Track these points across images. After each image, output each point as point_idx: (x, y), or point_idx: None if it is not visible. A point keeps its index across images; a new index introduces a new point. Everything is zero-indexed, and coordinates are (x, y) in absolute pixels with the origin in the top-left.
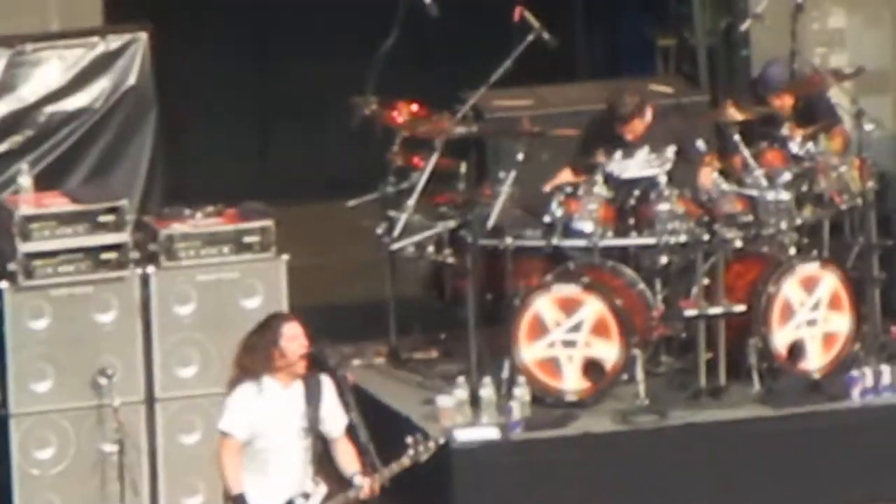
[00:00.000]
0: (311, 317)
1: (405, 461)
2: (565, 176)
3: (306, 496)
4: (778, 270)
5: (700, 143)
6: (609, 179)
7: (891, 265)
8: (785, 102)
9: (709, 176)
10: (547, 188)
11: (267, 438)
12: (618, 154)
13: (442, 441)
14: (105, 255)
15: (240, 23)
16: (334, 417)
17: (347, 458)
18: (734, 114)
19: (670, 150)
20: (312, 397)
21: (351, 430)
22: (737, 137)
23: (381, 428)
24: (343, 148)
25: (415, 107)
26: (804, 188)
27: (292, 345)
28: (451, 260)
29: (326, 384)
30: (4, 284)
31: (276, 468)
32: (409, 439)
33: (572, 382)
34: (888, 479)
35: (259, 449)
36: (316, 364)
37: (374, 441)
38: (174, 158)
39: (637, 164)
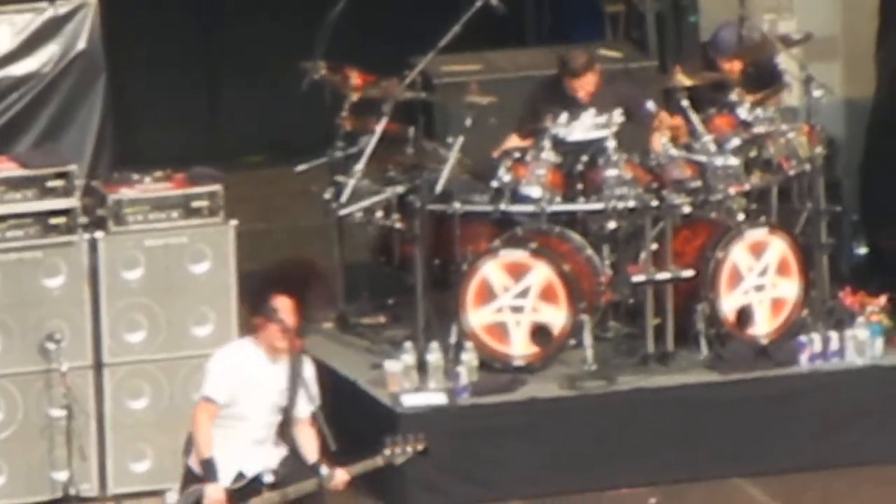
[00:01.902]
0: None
1: (379, 461)
2: (513, 141)
3: (274, 473)
4: (726, 236)
5: (650, 104)
6: (557, 144)
7: (839, 231)
8: (734, 67)
9: (658, 140)
10: (495, 154)
11: (242, 406)
12: (563, 116)
13: (421, 448)
14: (54, 220)
15: None
16: (308, 400)
17: (311, 444)
18: (682, 79)
19: (617, 113)
20: (295, 376)
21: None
22: (685, 103)
23: (328, 393)
24: (291, 113)
25: (363, 72)
26: (753, 154)
27: (275, 322)
28: (399, 225)
29: (308, 365)
30: None
31: (245, 437)
32: (388, 440)
33: (520, 347)
34: (835, 444)
35: (232, 415)
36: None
37: (322, 407)
38: (123, 123)
39: (583, 127)
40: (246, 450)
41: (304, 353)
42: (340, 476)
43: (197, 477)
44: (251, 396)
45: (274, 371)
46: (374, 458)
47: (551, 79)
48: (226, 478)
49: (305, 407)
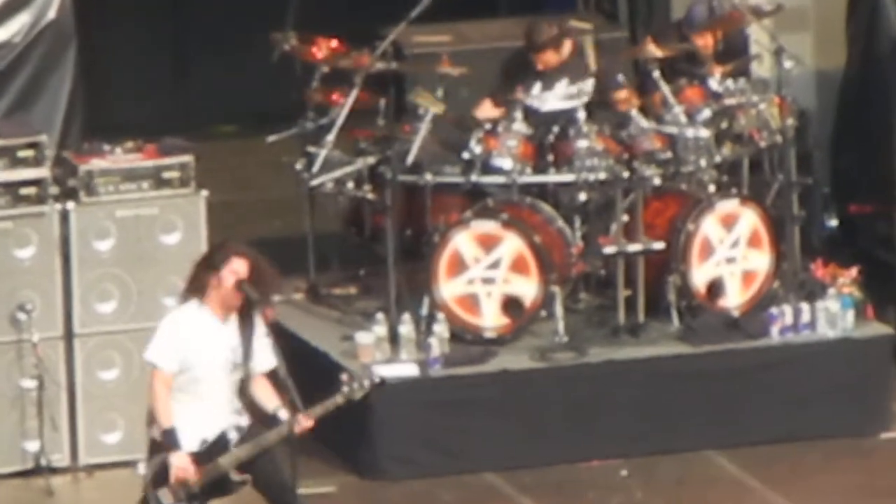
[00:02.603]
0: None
1: (339, 399)
2: (486, 108)
3: (239, 428)
4: (697, 208)
5: (620, 77)
6: (529, 114)
7: (810, 203)
8: (707, 41)
9: (625, 104)
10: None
11: (198, 370)
12: (537, 86)
13: (378, 380)
14: (24, 191)
15: None
16: (259, 356)
17: (267, 394)
18: (654, 50)
19: (589, 84)
20: (246, 332)
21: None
22: (656, 74)
23: (299, 364)
24: (263, 83)
25: (334, 42)
26: (724, 125)
27: (230, 276)
28: (370, 196)
29: (258, 321)
30: None
31: (206, 400)
32: (344, 377)
33: (491, 319)
34: (807, 416)
35: (189, 379)
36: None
37: (292, 377)
38: (93, 93)
39: (556, 97)
40: (208, 414)
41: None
42: (303, 420)
43: (161, 447)
44: (202, 359)
45: (224, 330)
46: (334, 397)
47: (523, 48)
48: (191, 445)
49: (262, 362)
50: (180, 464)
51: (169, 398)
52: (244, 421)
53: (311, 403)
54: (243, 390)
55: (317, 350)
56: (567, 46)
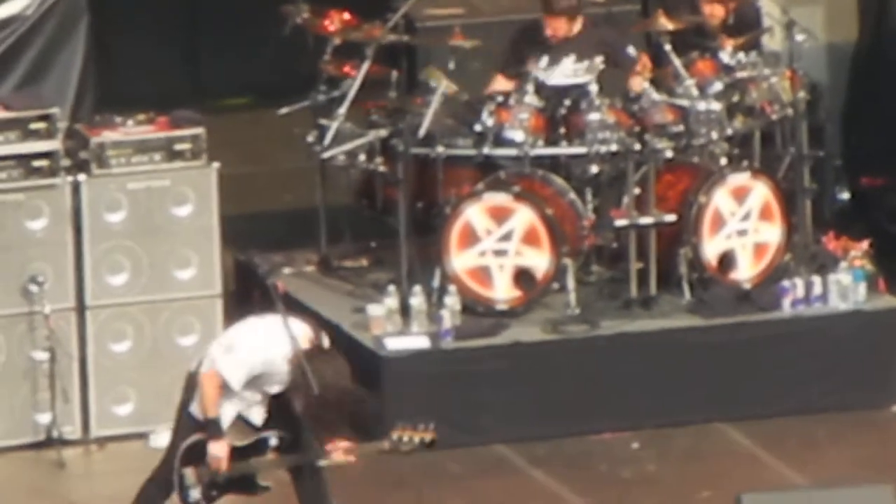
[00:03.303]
0: (241, 225)
1: (385, 444)
2: (500, 83)
3: (281, 438)
4: (709, 180)
5: (630, 49)
6: (540, 88)
7: (822, 176)
8: (715, 11)
9: (639, 83)
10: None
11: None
12: (544, 60)
13: (429, 439)
14: (36, 163)
15: None
16: None
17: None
18: (665, 23)
19: (598, 60)
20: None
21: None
22: (668, 47)
23: None
24: (274, 56)
25: (346, 15)
26: (735, 98)
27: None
28: (382, 168)
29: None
30: None
31: (248, 399)
32: (399, 425)
33: (503, 291)
34: (818, 389)
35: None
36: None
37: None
38: (105, 66)
39: (563, 72)
40: (247, 401)
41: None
42: (342, 454)
43: (198, 423)
44: (265, 382)
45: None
46: (381, 442)
47: (532, 22)
48: (224, 421)
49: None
50: (218, 453)
51: (220, 395)
52: (287, 433)
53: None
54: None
55: (328, 322)
56: (579, 22)
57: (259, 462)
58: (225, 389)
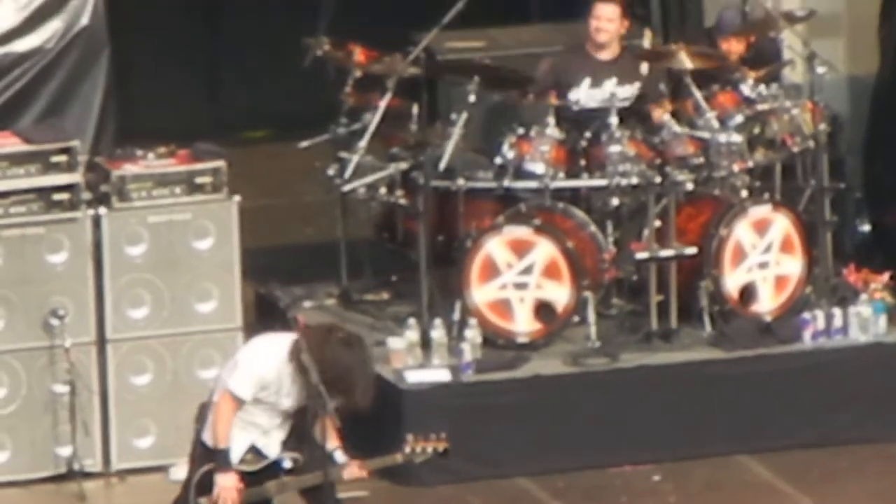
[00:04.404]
0: (262, 258)
1: (398, 457)
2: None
3: (295, 461)
4: (730, 213)
5: (662, 86)
6: (562, 118)
7: (842, 208)
8: (733, 48)
9: (659, 114)
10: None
11: (265, 399)
12: (586, 82)
13: (442, 449)
14: (57, 196)
15: None
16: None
17: (328, 432)
18: (685, 61)
19: (635, 88)
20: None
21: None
22: (688, 80)
23: None
24: (295, 88)
25: (367, 48)
26: (756, 131)
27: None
28: (402, 201)
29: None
30: None
31: (262, 420)
32: (409, 437)
33: (524, 324)
34: (839, 421)
35: (254, 403)
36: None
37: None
38: (126, 99)
39: (603, 95)
40: (262, 428)
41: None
42: (356, 470)
43: (209, 452)
44: (275, 392)
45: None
46: (394, 455)
47: (574, 46)
48: (238, 451)
49: (329, 404)
50: (226, 484)
51: (233, 420)
52: (301, 454)
53: (346, 419)
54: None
55: None
56: (619, 45)
57: (273, 485)
58: (239, 412)
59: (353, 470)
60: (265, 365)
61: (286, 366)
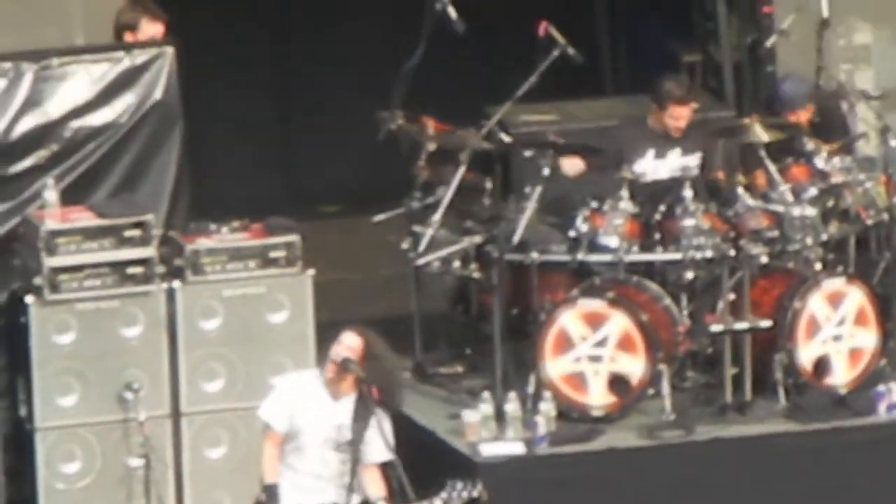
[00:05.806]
0: (336, 332)
1: (436, 502)
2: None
3: None
4: (804, 286)
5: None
6: (635, 191)
7: None
8: (800, 118)
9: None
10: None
11: (301, 439)
12: (650, 153)
13: (476, 496)
14: (131, 270)
15: (261, 35)
16: (374, 446)
17: (373, 482)
18: (761, 134)
19: (697, 158)
20: (360, 418)
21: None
22: (762, 153)
23: (405, 443)
24: (368, 162)
25: (440, 121)
26: (830, 203)
27: (338, 351)
28: (476, 275)
29: (382, 416)
30: (30, 299)
31: (308, 470)
32: (448, 482)
33: (598, 397)
34: None
35: (294, 448)
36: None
37: (399, 457)
38: (199, 173)
39: (668, 166)
40: (308, 483)
41: (375, 402)
42: None
43: None
44: (307, 428)
45: (332, 407)
46: (432, 500)
47: (637, 118)
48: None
49: (372, 453)
50: None
51: (276, 457)
52: (355, 499)
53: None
54: (354, 471)
55: (424, 428)
56: (692, 108)
57: None
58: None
59: None
60: (292, 388)
61: (311, 383)
